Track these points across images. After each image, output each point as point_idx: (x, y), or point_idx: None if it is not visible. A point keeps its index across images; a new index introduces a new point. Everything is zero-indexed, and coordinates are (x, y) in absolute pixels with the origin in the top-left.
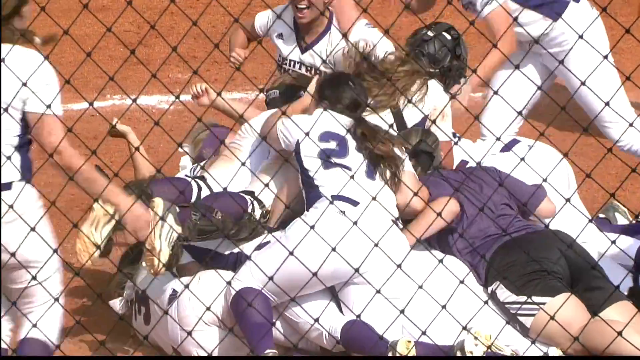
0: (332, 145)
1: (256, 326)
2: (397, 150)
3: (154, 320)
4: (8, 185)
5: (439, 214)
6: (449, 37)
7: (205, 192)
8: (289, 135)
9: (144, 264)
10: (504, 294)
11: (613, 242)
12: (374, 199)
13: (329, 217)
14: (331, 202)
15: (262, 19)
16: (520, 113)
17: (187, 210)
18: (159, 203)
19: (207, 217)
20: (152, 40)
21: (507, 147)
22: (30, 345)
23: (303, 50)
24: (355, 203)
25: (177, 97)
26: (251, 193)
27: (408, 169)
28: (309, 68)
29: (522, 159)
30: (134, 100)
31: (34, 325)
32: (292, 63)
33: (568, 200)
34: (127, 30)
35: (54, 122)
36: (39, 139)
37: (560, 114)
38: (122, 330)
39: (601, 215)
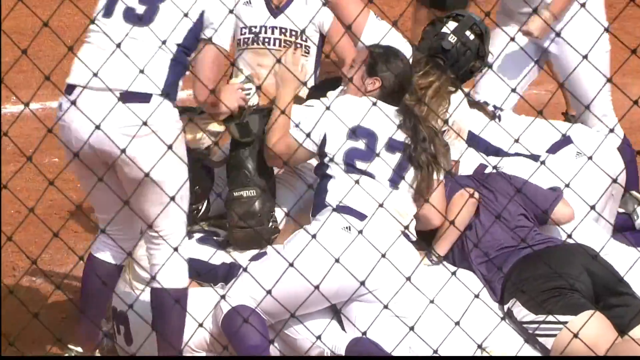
0: (360, 145)
1: (252, 348)
2: (441, 160)
3: (137, 340)
4: (146, 97)
5: (451, 223)
6: (472, 36)
7: None
8: (315, 129)
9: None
10: (522, 312)
11: None
12: (380, 205)
13: (332, 231)
14: (334, 210)
15: None
16: (514, 90)
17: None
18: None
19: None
20: None
21: (555, 148)
22: (159, 298)
23: (275, 14)
24: (362, 217)
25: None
26: None
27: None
28: (283, 31)
29: (542, 162)
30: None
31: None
32: (263, 30)
33: (593, 207)
34: None
35: (215, 55)
36: (197, 65)
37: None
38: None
39: (620, 210)
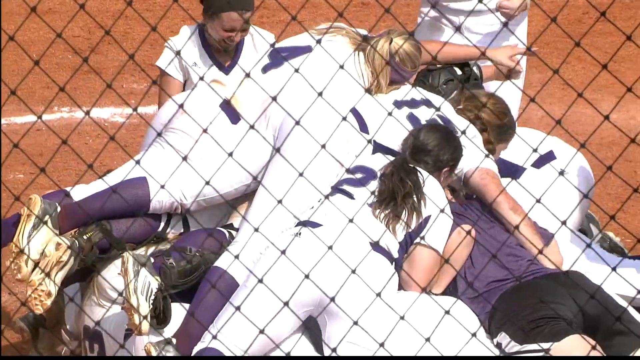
0: (357, 175)
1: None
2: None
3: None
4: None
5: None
6: (459, 71)
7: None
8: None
9: (125, 325)
10: (509, 343)
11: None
12: (350, 221)
13: (282, 238)
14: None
15: (168, 61)
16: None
17: (160, 257)
18: (128, 257)
19: (183, 257)
20: (105, 47)
21: (542, 161)
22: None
23: (228, 70)
24: (317, 226)
25: (135, 109)
26: (229, 225)
27: (425, 240)
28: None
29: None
30: (87, 113)
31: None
32: None
33: (564, 222)
34: (76, 36)
35: None
36: None
37: (555, 127)
38: None
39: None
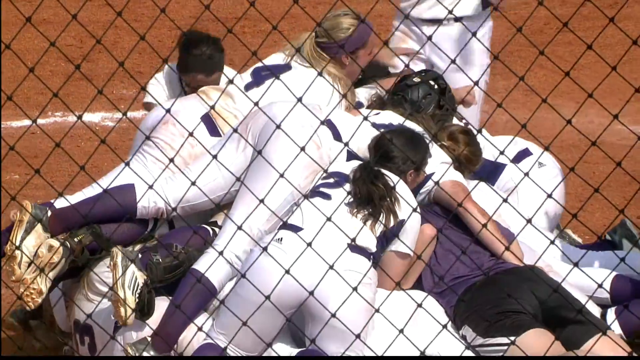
0: (332, 180)
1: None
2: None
3: (100, 348)
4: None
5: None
6: (435, 86)
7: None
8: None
9: (112, 317)
10: (472, 336)
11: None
12: (329, 219)
13: (264, 245)
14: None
15: (155, 95)
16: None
17: (146, 254)
18: (117, 252)
19: (169, 253)
20: (95, 55)
21: (521, 156)
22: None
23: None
24: (298, 230)
25: (125, 114)
26: (214, 223)
27: (397, 248)
28: None
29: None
30: (79, 117)
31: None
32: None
33: (552, 241)
34: (69, 45)
35: None
36: None
37: (520, 131)
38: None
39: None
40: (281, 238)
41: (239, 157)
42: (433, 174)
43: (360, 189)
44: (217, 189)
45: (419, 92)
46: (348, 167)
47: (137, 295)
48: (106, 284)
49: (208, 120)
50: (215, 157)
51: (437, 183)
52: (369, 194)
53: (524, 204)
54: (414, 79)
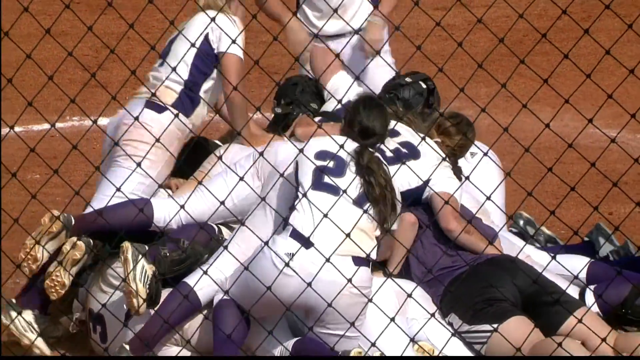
0: (329, 163)
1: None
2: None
3: (110, 338)
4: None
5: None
6: (424, 86)
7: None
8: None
9: (125, 306)
10: (458, 323)
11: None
12: (325, 216)
13: (276, 259)
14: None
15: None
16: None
17: (155, 247)
18: (128, 247)
19: (176, 248)
20: (110, 64)
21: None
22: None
23: None
24: (308, 245)
25: (136, 118)
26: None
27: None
28: None
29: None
30: (95, 122)
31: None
32: None
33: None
34: (85, 55)
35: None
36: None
37: (502, 134)
38: (81, 345)
39: (512, 229)
40: (292, 254)
41: (255, 183)
42: (429, 180)
43: (370, 190)
44: (225, 214)
45: (410, 91)
46: (334, 145)
47: (147, 287)
48: (119, 276)
49: (151, 105)
50: (242, 178)
51: (428, 184)
52: (381, 195)
53: (476, 196)
54: (405, 79)
